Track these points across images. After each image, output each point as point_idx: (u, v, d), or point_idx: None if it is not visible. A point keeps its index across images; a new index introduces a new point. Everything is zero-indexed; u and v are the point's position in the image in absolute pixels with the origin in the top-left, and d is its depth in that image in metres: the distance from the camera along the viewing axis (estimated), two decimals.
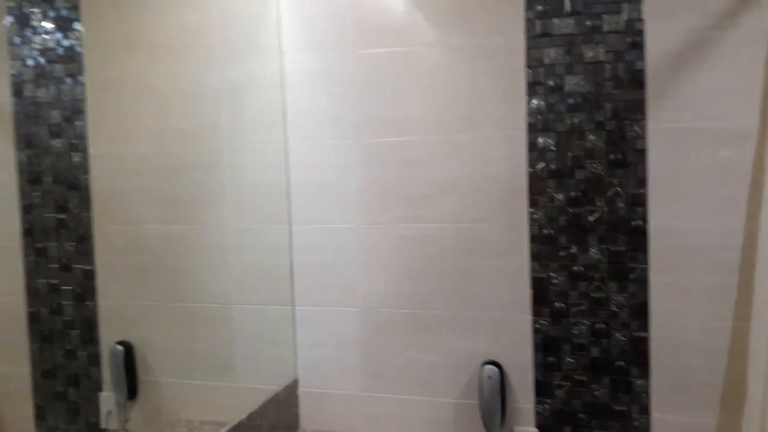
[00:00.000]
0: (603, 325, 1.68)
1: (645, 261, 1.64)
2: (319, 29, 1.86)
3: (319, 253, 1.90)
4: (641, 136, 1.62)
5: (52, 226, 1.16)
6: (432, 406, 1.83)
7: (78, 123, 1.18)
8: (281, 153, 1.89)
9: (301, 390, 1.95)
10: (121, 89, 1.30)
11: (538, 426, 1.75)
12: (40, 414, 1.13)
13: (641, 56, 1.61)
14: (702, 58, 1.58)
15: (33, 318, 1.12)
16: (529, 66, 1.69)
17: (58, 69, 1.17)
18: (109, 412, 1.23)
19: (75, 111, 1.18)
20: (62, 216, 1.17)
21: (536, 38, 1.68)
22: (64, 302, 1.18)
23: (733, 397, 1.58)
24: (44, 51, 1.14)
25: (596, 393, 1.69)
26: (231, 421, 1.59)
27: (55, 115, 1.16)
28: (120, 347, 1.27)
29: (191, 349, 1.50)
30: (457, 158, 1.76)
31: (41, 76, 1.14)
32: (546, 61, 1.68)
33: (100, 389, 1.22)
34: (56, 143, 1.16)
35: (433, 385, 1.83)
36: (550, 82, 1.68)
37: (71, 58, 1.18)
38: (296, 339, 1.94)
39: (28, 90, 1.12)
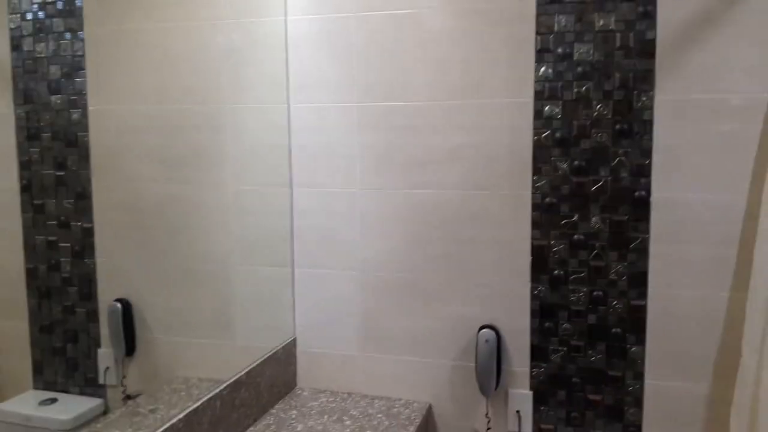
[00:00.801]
0: (601, 293, 1.69)
1: (646, 231, 1.64)
2: None
3: (320, 216, 1.89)
4: (649, 107, 1.60)
5: (51, 183, 1.15)
6: (429, 367, 1.85)
7: (77, 79, 1.16)
8: (284, 115, 1.87)
9: (299, 349, 1.96)
10: (122, 46, 1.27)
11: (533, 389, 1.77)
12: (38, 368, 1.14)
13: (652, 26, 1.58)
14: (713, 29, 1.55)
15: (31, 274, 1.12)
16: (538, 33, 1.66)
17: (58, 23, 1.15)
18: (107, 368, 1.24)
19: (74, 67, 1.16)
20: (61, 173, 1.16)
21: (547, 5, 1.65)
22: (63, 259, 1.18)
23: (726, 366, 1.60)
24: (43, 5, 1.12)
25: (592, 358, 1.71)
26: (229, 378, 1.60)
27: (54, 71, 1.14)
28: (118, 304, 1.27)
29: (190, 307, 1.51)
30: (462, 125, 1.74)
31: (40, 30, 1.12)
32: (556, 28, 1.65)
33: (98, 345, 1.22)
34: (55, 99, 1.14)
35: (430, 348, 1.84)
36: (559, 50, 1.65)
37: (71, 13, 1.16)
38: (295, 300, 1.95)
39: (27, 44, 1.10)
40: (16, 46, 1.08)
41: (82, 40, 1.16)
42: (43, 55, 1.12)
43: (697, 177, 1.59)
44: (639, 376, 1.68)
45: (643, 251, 1.65)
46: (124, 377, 1.28)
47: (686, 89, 1.58)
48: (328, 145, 1.86)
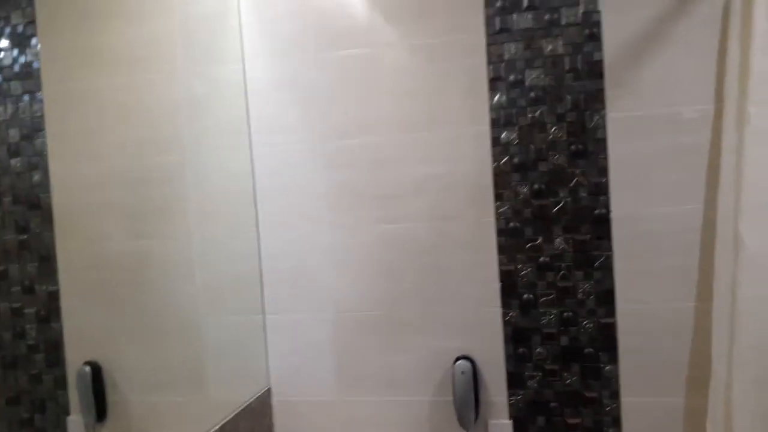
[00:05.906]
0: (571, 314, 1.71)
1: (609, 248, 1.67)
2: (281, 33, 1.84)
3: (289, 258, 1.87)
4: (601, 126, 1.65)
5: (13, 248, 1.12)
6: (407, 405, 1.83)
7: (37, 141, 1.14)
8: (246, 160, 1.87)
9: (275, 399, 1.92)
10: (81, 104, 1.26)
11: (512, 418, 1.76)
12: None
13: (599, 47, 1.64)
14: (658, 46, 1.62)
15: None
16: (490, 62, 1.71)
17: (15, 86, 1.13)
18: None
19: (34, 129, 1.14)
20: (23, 237, 1.13)
21: (496, 34, 1.70)
22: (28, 326, 1.14)
23: (698, 377, 1.62)
24: (0, 69, 1.10)
25: (567, 381, 1.72)
26: None
27: (14, 134, 1.12)
28: (87, 368, 1.23)
29: (160, 364, 1.46)
30: (424, 157, 1.77)
31: None
32: (506, 56, 1.70)
33: (67, 413, 1.18)
34: (15, 162, 1.12)
35: (407, 385, 1.82)
36: (511, 77, 1.70)
37: (29, 75, 1.15)
38: (268, 347, 1.91)
39: None
40: None
41: (41, 101, 1.15)
42: (1, 119, 1.10)
43: (653, 190, 1.64)
44: (615, 395, 1.69)
45: (607, 268, 1.68)
46: None
47: (636, 106, 1.63)
48: (293, 186, 1.85)
